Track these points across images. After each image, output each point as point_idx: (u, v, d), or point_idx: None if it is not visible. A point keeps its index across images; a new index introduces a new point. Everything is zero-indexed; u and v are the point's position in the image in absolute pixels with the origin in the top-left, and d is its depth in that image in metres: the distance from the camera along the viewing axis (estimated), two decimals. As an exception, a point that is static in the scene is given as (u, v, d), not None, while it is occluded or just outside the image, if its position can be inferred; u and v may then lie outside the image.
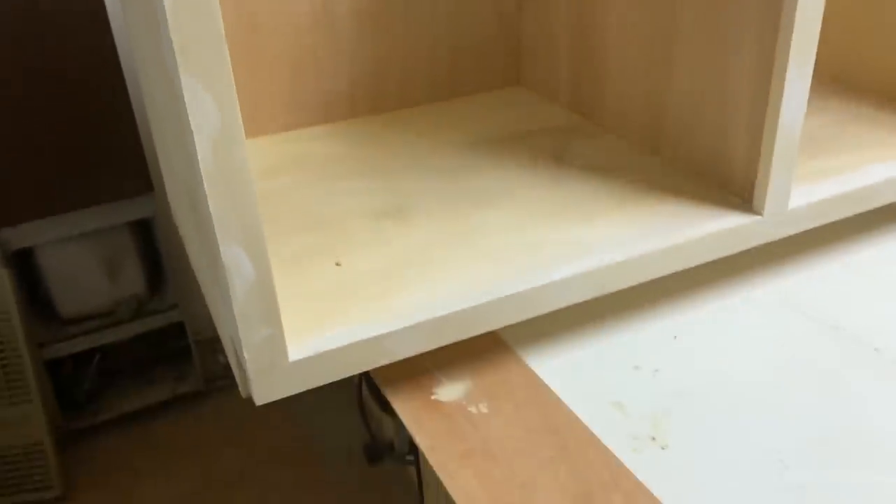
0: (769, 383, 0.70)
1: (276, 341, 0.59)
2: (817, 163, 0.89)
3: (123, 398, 1.75)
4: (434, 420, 0.67)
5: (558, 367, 0.73)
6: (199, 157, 0.51)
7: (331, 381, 0.64)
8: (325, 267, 0.73)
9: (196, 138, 0.51)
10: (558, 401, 0.69)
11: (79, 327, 1.65)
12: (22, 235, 1.52)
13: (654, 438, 0.65)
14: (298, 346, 0.62)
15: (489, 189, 0.87)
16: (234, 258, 0.55)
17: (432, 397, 0.69)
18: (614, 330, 0.78)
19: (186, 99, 0.49)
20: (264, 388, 0.61)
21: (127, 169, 1.64)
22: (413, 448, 0.81)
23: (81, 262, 1.61)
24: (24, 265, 1.57)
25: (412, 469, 0.85)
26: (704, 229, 0.76)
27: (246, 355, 0.58)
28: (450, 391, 0.70)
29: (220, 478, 1.63)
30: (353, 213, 0.84)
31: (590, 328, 0.79)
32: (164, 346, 1.83)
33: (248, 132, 1.05)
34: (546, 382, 0.71)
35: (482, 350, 0.73)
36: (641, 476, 0.61)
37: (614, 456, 0.63)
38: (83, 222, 1.58)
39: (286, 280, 0.71)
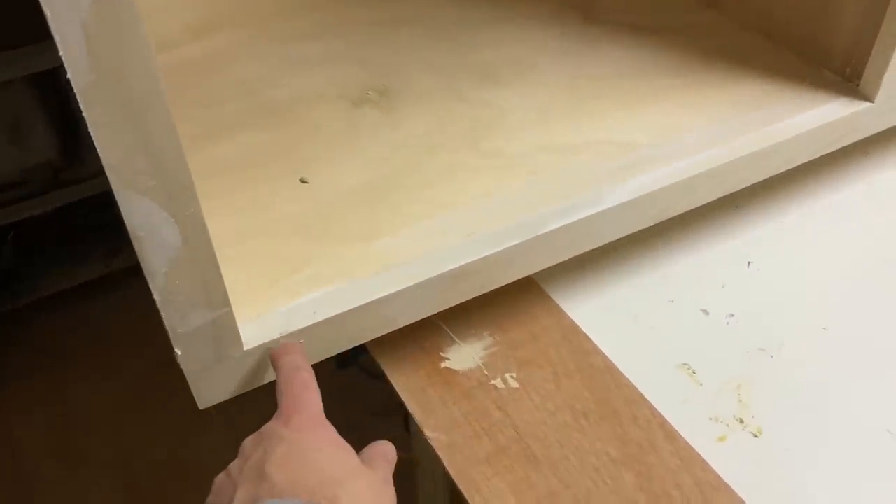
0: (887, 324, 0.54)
1: (223, 325, 0.39)
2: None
3: (49, 277, 1.55)
4: (447, 400, 0.49)
5: (603, 313, 0.55)
6: (58, 40, 0.29)
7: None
8: (286, 185, 0.52)
9: None
10: (610, 366, 0.51)
11: (-17, 201, 1.41)
12: None
13: (741, 421, 0.49)
14: (256, 326, 0.42)
15: (500, 59, 0.64)
16: (146, 218, 0.34)
17: (442, 365, 0.51)
18: (669, 256, 0.60)
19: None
20: (210, 389, 0.42)
21: (23, 6, 1.32)
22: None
23: (-26, 126, 1.35)
24: None
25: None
26: (803, 122, 0.56)
27: (178, 351, 0.39)
28: (465, 355, 0.52)
29: (164, 365, 1.45)
30: (319, 96, 0.61)
31: (637, 255, 0.60)
32: (91, 218, 1.60)
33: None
34: (590, 336, 0.53)
35: (503, 292, 0.53)
36: (735, 482, 0.45)
37: (696, 453, 0.46)
38: (-30, 76, 1.30)
39: (229, 213, 0.50)
